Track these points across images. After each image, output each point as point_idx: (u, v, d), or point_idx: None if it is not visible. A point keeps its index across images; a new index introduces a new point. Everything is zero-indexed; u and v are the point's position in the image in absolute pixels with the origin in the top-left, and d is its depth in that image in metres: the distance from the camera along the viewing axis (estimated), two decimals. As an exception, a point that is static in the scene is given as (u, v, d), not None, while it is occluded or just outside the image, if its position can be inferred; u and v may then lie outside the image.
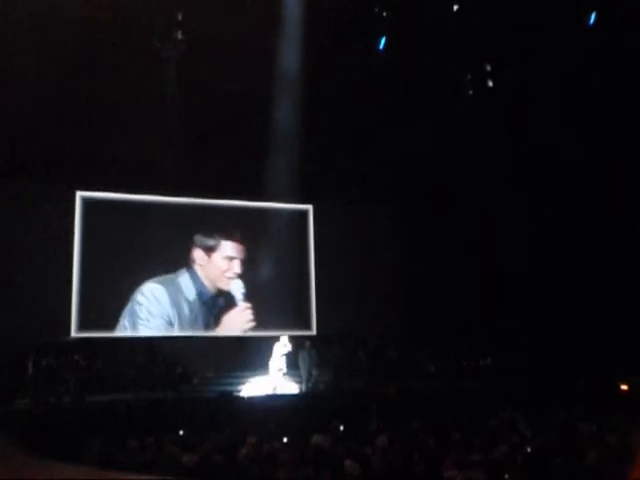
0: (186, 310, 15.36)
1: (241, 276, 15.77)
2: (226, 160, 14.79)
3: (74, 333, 14.45)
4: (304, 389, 13.46)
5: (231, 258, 15.77)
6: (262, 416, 10.70)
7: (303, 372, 13.60)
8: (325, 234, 16.99)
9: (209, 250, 15.68)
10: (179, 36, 13.49)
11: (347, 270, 16.65)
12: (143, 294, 15.03)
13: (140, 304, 14.97)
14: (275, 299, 15.72)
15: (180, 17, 13.30)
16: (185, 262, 15.53)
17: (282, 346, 13.54)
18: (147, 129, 13.97)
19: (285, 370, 13.57)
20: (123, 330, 14.79)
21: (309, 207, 17.25)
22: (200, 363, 14.25)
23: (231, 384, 13.54)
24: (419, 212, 16.90)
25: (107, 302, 14.73)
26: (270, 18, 13.12)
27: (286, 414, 10.96)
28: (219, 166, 14.84)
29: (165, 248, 15.37)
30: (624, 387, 12.70)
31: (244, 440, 7.19)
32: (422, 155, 15.99)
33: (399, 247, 17.27)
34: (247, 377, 13.80)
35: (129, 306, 14.93)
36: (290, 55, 13.98)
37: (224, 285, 15.66)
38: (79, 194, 15.02)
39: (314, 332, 16.50)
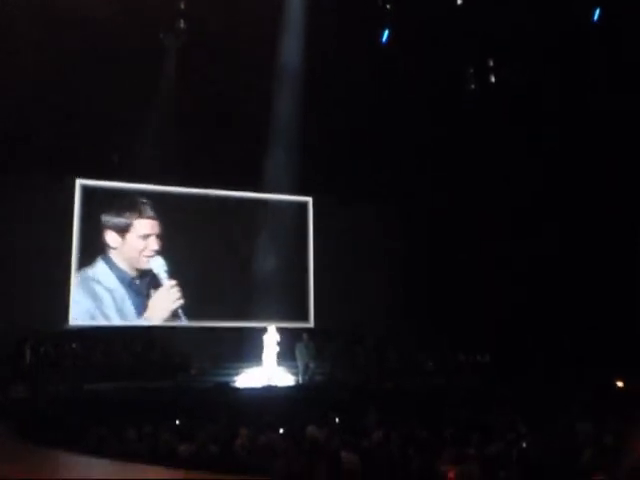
0: (108, 300, 14.82)
1: (161, 252, 15.23)
2: (226, 151, 14.75)
3: (72, 322, 14.45)
4: (301, 381, 13.49)
5: (147, 235, 15.18)
6: (258, 407, 10.72)
7: (300, 364, 13.63)
8: (325, 226, 16.98)
9: (122, 231, 15.08)
10: (182, 25, 13.44)
11: (346, 263, 16.65)
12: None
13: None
14: (274, 291, 15.70)
15: (182, 6, 13.24)
16: (96, 251, 15.00)
17: (270, 337, 13.53)
18: (149, 119, 13.94)
19: (282, 361, 13.59)
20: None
21: (309, 199, 17.24)
22: (197, 353, 14.25)
23: (228, 375, 13.57)
24: (419, 208, 16.88)
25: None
26: (272, 10, 13.08)
27: (282, 405, 10.98)
28: (219, 157, 14.80)
29: (177, 243, 15.29)
30: (620, 384, 12.72)
31: (240, 431, 7.21)
32: (423, 151, 15.95)
33: (398, 242, 17.24)
34: (244, 368, 13.82)
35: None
36: (291, 48, 13.94)
37: (143, 265, 15.09)
38: (79, 182, 15.00)
39: (312, 325, 16.52)
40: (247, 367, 13.83)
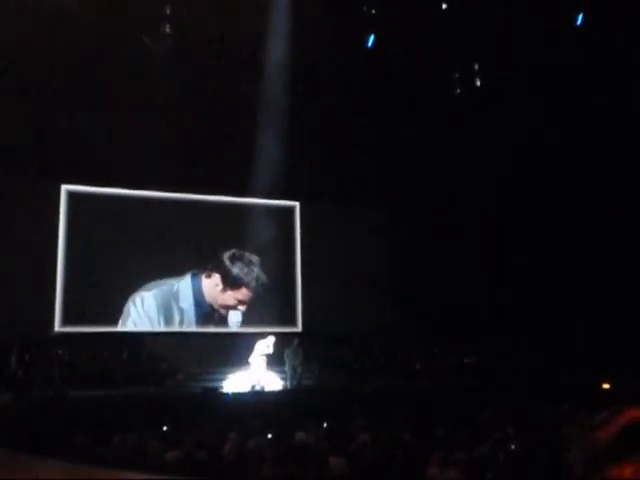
0: (176, 320, 15.29)
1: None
2: (212, 156, 14.73)
3: (58, 328, 14.35)
4: (289, 385, 13.46)
5: (240, 302, 15.81)
6: (247, 412, 10.70)
7: (288, 368, 13.60)
8: (312, 231, 16.98)
9: (228, 285, 15.69)
10: (167, 30, 13.41)
11: (334, 267, 16.65)
12: (135, 303, 14.99)
13: (129, 314, 14.95)
14: (261, 295, 15.71)
15: (168, 11, 13.22)
16: (190, 268, 15.48)
17: (265, 346, 13.54)
18: (134, 124, 13.90)
19: (270, 367, 13.56)
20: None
21: (296, 204, 17.24)
22: (185, 359, 14.20)
23: (216, 380, 13.51)
24: (406, 210, 16.93)
25: (91, 297, 14.64)
26: (259, 15, 13.09)
27: (271, 410, 10.95)
28: (205, 162, 14.78)
29: (162, 249, 15.31)
30: (606, 386, 12.80)
31: (228, 436, 7.18)
32: (410, 154, 15.99)
33: (385, 245, 17.29)
34: (232, 373, 13.77)
35: (123, 314, 14.93)
36: (279, 52, 13.95)
37: (223, 312, 15.71)
38: (64, 187, 14.92)
39: (300, 329, 16.50)
40: (235, 372, 13.78)
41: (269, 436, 7.68)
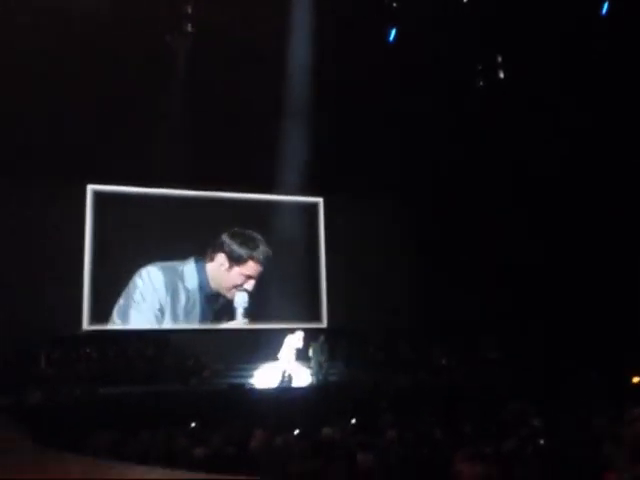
0: (183, 298, 15.30)
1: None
2: (236, 153, 14.76)
3: (86, 326, 14.52)
4: (315, 381, 13.48)
5: (249, 277, 15.75)
6: (273, 408, 10.73)
7: (314, 364, 13.62)
8: (336, 226, 16.96)
9: (234, 261, 15.66)
10: (189, 29, 13.46)
11: (358, 263, 16.62)
12: (141, 276, 15.01)
13: (136, 287, 14.97)
14: (286, 291, 15.72)
15: (190, 10, 13.26)
16: (195, 251, 15.47)
17: (296, 339, 13.57)
18: (157, 123, 13.98)
19: (296, 362, 13.59)
20: (119, 312, 14.77)
21: (320, 200, 17.23)
22: (211, 355, 14.28)
23: (242, 376, 13.59)
24: (430, 205, 16.83)
25: (119, 295, 14.80)
26: (279, 11, 13.08)
27: (297, 406, 10.98)
28: (229, 159, 14.81)
29: (191, 247, 15.50)
30: (636, 380, 12.63)
31: (255, 432, 7.20)
32: (433, 148, 15.89)
33: (410, 240, 17.22)
34: (258, 369, 13.83)
35: (126, 289, 14.92)
36: (299, 48, 13.93)
37: (230, 295, 15.62)
38: (90, 187, 15.07)
39: (325, 325, 16.51)
40: (261, 368, 13.83)
41: (296, 432, 7.69)
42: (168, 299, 15.18)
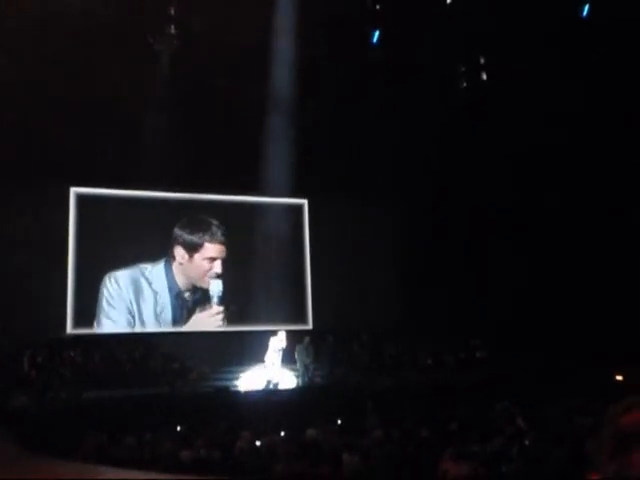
0: (150, 302, 15.13)
1: (221, 275, 15.54)
2: (220, 155, 14.75)
3: (70, 330, 14.42)
4: (301, 383, 13.48)
5: (213, 259, 15.57)
6: (259, 410, 10.73)
7: (300, 366, 13.62)
8: (320, 228, 16.96)
9: (191, 249, 15.49)
10: (172, 30, 13.45)
11: (343, 264, 16.63)
12: (106, 284, 14.82)
13: (102, 294, 14.78)
14: (271, 293, 15.69)
15: (172, 12, 13.25)
16: (165, 255, 15.36)
17: (278, 341, 13.54)
18: (140, 125, 13.94)
19: (281, 364, 13.59)
20: (93, 320, 14.64)
21: (304, 201, 17.23)
22: (197, 358, 14.23)
23: (228, 379, 13.55)
24: (415, 205, 16.87)
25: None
26: (263, 13, 13.09)
27: (283, 408, 10.98)
28: (214, 161, 14.80)
29: (152, 241, 15.41)
30: (619, 378, 12.75)
31: (241, 435, 7.20)
32: (418, 148, 15.96)
33: (395, 240, 17.25)
34: (243, 372, 13.81)
35: (97, 296, 14.81)
36: (283, 50, 13.95)
37: (204, 284, 15.47)
38: (73, 190, 14.97)
39: (310, 326, 16.51)
40: (246, 371, 13.82)
41: (282, 434, 7.70)
42: (136, 302, 15.02)
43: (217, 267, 15.52)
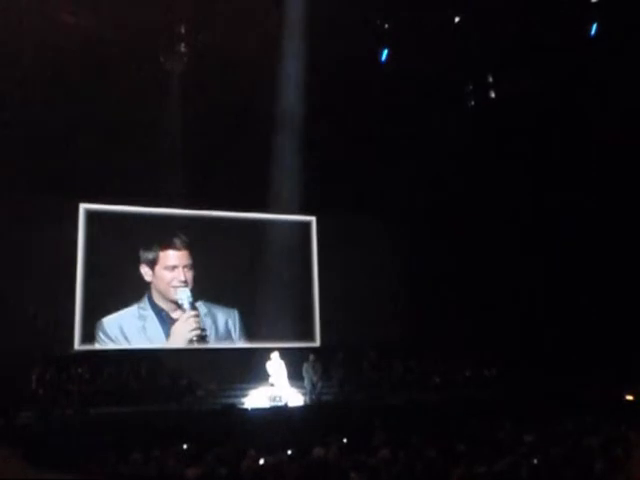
0: (141, 332, 15.03)
1: (193, 281, 15.35)
2: (229, 173, 14.81)
3: (77, 346, 14.43)
4: (308, 401, 13.43)
5: (173, 267, 15.35)
6: (266, 428, 10.68)
7: (307, 384, 13.57)
8: (328, 245, 16.97)
9: (151, 263, 15.28)
10: (182, 49, 13.56)
11: (351, 281, 16.62)
12: (99, 335, 14.72)
13: (98, 341, 14.73)
14: (279, 311, 15.67)
15: (183, 30, 13.37)
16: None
17: (278, 360, 13.56)
18: (150, 142, 14.02)
19: (289, 382, 13.55)
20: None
21: (312, 218, 17.26)
22: (205, 375, 14.19)
23: (235, 396, 13.50)
24: (422, 222, 16.87)
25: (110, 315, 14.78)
26: (272, 32, 13.19)
27: (290, 426, 10.92)
28: (223, 179, 14.86)
29: None
30: (630, 397, 12.64)
31: (247, 453, 7.16)
32: (425, 166, 15.99)
33: (402, 258, 17.24)
34: (250, 389, 13.76)
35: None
36: (292, 68, 14.03)
37: (172, 295, 15.24)
38: (82, 206, 15.04)
39: (318, 344, 16.47)
40: (254, 388, 13.77)
41: (289, 452, 7.65)
42: (125, 342, 14.91)
43: (179, 275, 15.28)
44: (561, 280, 15.01)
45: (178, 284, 15.24)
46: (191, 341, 15.31)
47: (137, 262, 15.13)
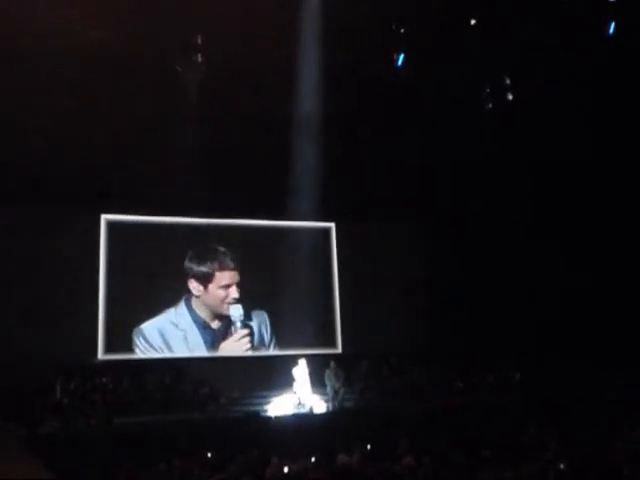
0: (182, 343, 15.24)
1: (239, 299, 15.62)
2: (248, 180, 14.86)
3: (101, 356, 14.53)
4: (331, 407, 13.39)
5: (227, 286, 15.62)
6: (289, 435, 10.67)
7: (329, 390, 13.55)
8: (348, 251, 16.96)
9: (204, 280, 15.55)
10: (199, 59, 13.62)
11: (372, 288, 16.59)
12: (138, 339, 14.94)
13: (135, 347, 14.91)
14: (300, 318, 15.67)
15: (199, 40, 13.43)
16: (183, 291, 15.47)
17: (301, 369, 13.55)
18: (169, 152, 14.10)
19: (311, 389, 13.53)
20: (124, 345, 14.79)
21: (332, 225, 17.25)
22: (227, 383, 14.21)
23: (258, 404, 13.51)
24: (442, 227, 16.81)
25: (133, 324, 14.85)
26: (288, 39, 13.22)
27: (313, 433, 10.90)
28: (242, 186, 14.91)
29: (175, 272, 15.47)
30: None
31: (271, 461, 7.16)
32: (443, 170, 15.92)
33: (423, 263, 17.18)
34: (273, 396, 13.75)
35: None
36: (309, 75, 14.05)
37: (224, 311, 15.53)
38: (104, 217, 15.17)
39: (340, 350, 16.43)
40: (276, 395, 13.76)
41: (312, 459, 7.64)
42: (168, 353, 15.13)
43: (233, 293, 15.59)
44: (583, 280, 14.85)
45: (232, 301, 15.54)
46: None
47: (167, 271, 15.30)
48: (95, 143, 13.59)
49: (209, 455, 8.54)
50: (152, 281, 15.12)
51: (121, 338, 14.75)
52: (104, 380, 13.43)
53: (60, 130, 12.98)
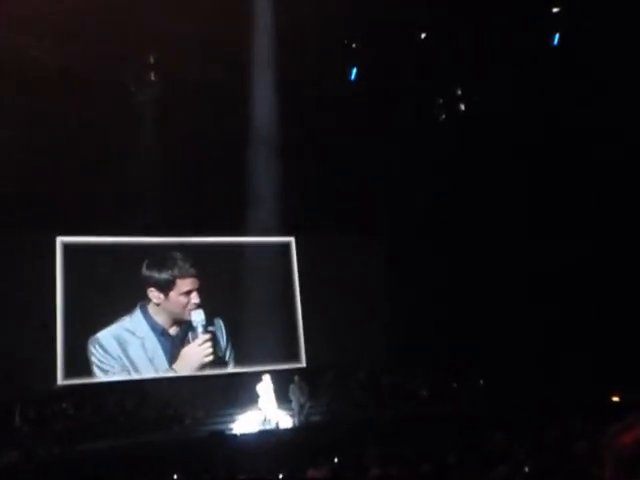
0: (140, 350, 14.96)
1: (201, 304, 15.44)
2: (206, 198, 14.82)
3: (60, 381, 14.23)
4: (297, 422, 13.35)
5: (188, 292, 15.44)
6: (256, 452, 10.61)
7: (295, 405, 13.51)
8: (309, 265, 16.96)
9: (165, 288, 15.33)
10: (152, 78, 13.58)
11: (333, 300, 16.59)
12: (94, 348, 14.67)
13: (91, 360, 14.60)
14: (262, 334, 15.57)
15: (152, 59, 13.40)
16: (138, 299, 15.24)
17: (265, 385, 13.48)
18: (125, 171, 13.98)
19: (277, 404, 13.47)
20: (84, 370, 14.49)
21: (291, 239, 17.25)
22: (191, 403, 14.08)
23: (222, 422, 13.41)
24: (405, 240, 16.91)
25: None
26: (241, 58, 13.29)
27: (280, 449, 10.86)
28: (200, 205, 14.86)
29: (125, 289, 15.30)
30: (616, 398, 12.71)
31: (237, 478, 7.10)
32: (406, 182, 16.09)
33: (385, 274, 17.28)
34: (238, 414, 13.67)
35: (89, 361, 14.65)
36: (264, 89, 14.13)
37: (186, 317, 15.34)
38: (59, 239, 14.91)
39: (304, 364, 16.39)
40: (241, 413, 13.68)
41: (280, 476, 7.60)
42: (125, 359, 14.86)
43: (194, 298, 15.41)
44: (543, 289, 15.10)
45: (193, 307, 15.36)
46: (203, 366, 15.38)
47: (123, 282, 15.10)
48: (50, 166, 13.37)
49: (175, 477, 8.43)
50: (109, 295, 14.87)
51: (80, 362, 14.46)
52: (64, 406, 13.17)
53: (14, 148, 12.75)
